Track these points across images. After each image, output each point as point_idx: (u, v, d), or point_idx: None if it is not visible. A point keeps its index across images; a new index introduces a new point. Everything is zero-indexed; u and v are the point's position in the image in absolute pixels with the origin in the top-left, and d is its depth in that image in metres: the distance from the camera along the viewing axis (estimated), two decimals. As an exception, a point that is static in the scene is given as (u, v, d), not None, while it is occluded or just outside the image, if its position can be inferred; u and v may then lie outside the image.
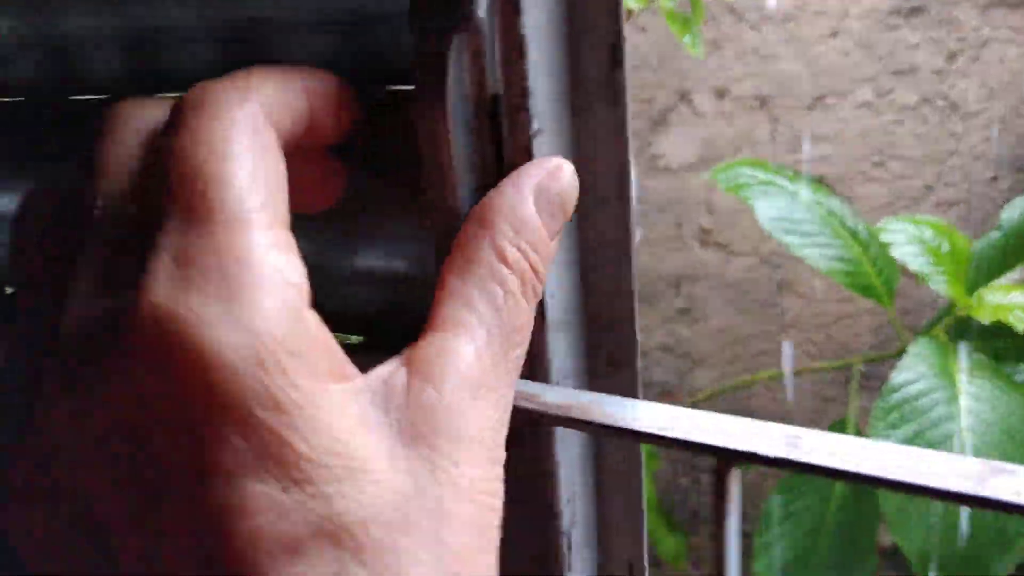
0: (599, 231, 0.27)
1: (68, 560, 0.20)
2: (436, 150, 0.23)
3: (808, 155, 1.28)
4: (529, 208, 0.23)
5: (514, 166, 0.24)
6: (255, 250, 0.20)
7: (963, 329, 0.91)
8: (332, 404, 0.20)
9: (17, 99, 0.33)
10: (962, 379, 0.83)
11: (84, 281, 0.21)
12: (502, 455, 0.22)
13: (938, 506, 0.78)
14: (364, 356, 0.22)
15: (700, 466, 1.41)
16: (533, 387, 0.26)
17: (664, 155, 1.36)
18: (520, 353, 0.23)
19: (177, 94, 0.23)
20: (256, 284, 0.19)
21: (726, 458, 0.23)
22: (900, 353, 0.89)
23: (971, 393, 0.82)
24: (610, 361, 0.29)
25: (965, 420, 0.80)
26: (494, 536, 0.21)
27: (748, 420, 0.23)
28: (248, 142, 0.21)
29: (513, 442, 0.23)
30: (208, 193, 0.20)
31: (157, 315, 0.19)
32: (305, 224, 0.26)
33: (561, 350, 0.28)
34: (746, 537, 1.04)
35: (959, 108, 1.21)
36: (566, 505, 0.28)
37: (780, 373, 1.24)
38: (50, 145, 0.32)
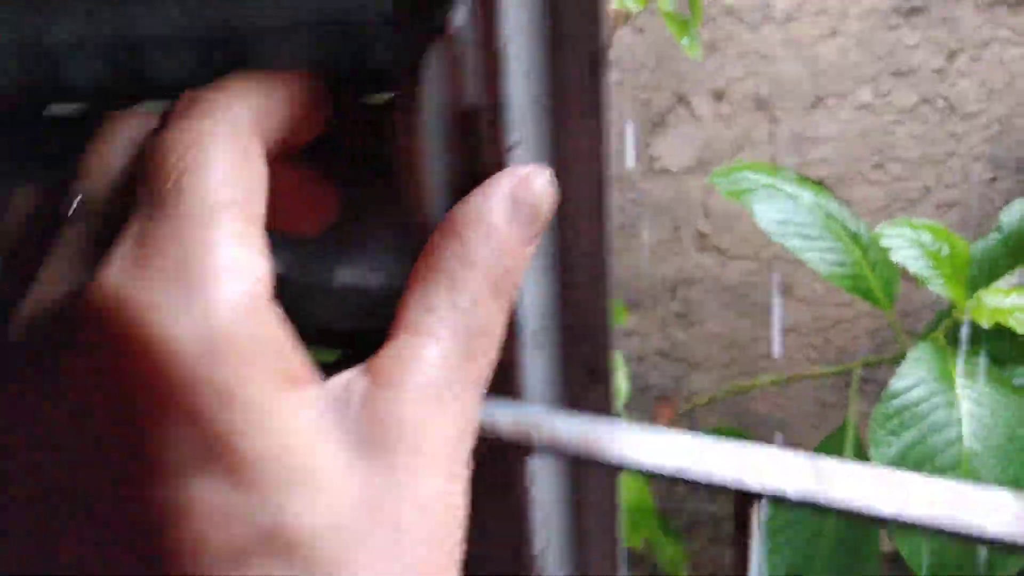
0: (576, 242, 0.27)
1: (4, 559, 0.19)
2: (410, 161, 0.23)
3: (807, 157, 1.27)
4: (497, 215, 0.23)
5: (490, 176, 0.24)
6: (217, 241, 0.19)
7: (963, 333, 0.90)
8: (286, 407, 0.19)
9: None
10: (962, 383, 0.83)
11: (49, 271, 0.20)
12: (465, 467, 0.21)
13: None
14: (343, 371, 0.21)
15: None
16: (508, 407, 0.25)
17: (662, 157, 1.35)
18: (487, 360, 0.22)
19: (160, 101, 0.22)
20: (213, 274, 0.19)
21: (747, 497, 0.22)
22: (899, 357, 0.88)
23: (972, 397, 0.81)
24: (587, 373, 0.29)
25: (967, 425, 0.79)
26: (455, 552, 0.20)
27: (765, 449, 0.22)
28: (228, 144, 0.21)
29: (484, 458, 0.22)
30: (179, 184, 0.19)
31: (108, 299, 0.18)
32: (284, 237, 0.25)
33: (537, 362, 0.27)
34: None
35: (958, 109, 1.20)
36: (540, 526, 0.28)
37: (778, 378, 1.24)
38: (32, 152, 0.32)
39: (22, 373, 0.19)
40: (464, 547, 0.21)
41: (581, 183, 0.26)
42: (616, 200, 1.38)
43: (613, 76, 1.32)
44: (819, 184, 1.06)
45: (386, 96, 0.26)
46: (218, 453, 0.18)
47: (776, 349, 1.34)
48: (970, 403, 0.81)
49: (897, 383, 0.82)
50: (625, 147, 1.35)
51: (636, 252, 1.39)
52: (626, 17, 1.13)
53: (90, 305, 0.18)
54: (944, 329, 0.90)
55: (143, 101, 0.29)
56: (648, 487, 1.09)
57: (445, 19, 0.22)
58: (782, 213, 0.98)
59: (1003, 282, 0.90)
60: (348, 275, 0.28)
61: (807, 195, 1.00)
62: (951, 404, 0.81)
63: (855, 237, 0.96)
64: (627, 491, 1.08)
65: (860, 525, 0.94)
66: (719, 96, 1.31)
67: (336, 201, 0.26)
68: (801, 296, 1.32)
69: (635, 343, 1.40)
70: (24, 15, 0.29)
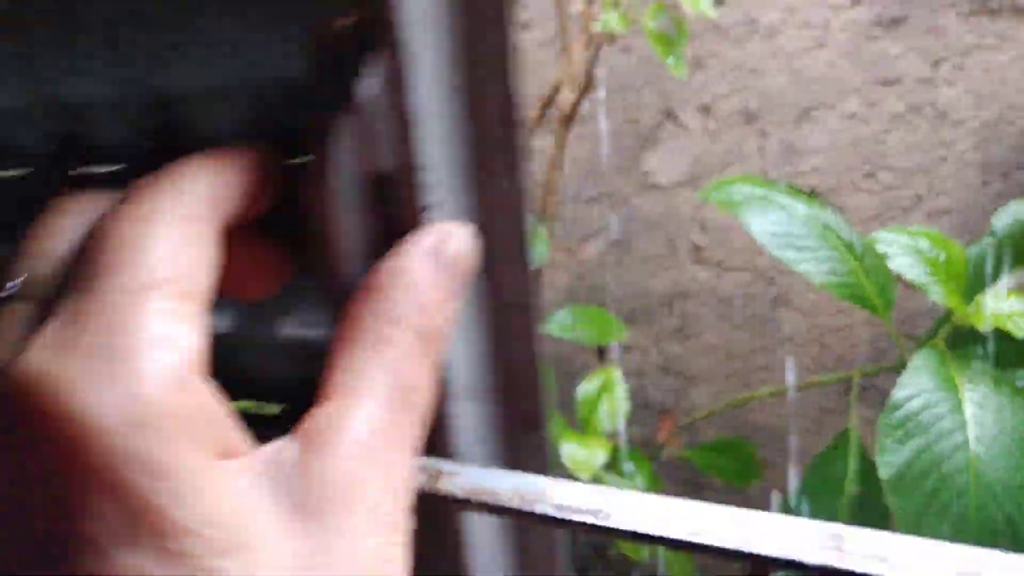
0: (502, 296, 0.27)
1: None
2: (323, 226, 0.23)
3: (797, 168, 1.28)
4: (419, 271, 0.23)
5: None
6: (146, 316, 0.19)
7: (962, 338, 0.91)
8: (217, 476, 0.19)
9: None
10: (965, 389, 0.83)
11: None
12: (403, 522, 0.21)
13: (952, 515, 0.77)
14: (287, 425, 0.21)
15: (704, 484, 1.40)
16: (439, 465, 0.25)
17: (653, 172, 1.36)
18: (418, 417, 0.22)
19: (103, 168, 0.23)
20: (138, 348, 0.19)
21: (762, 564, 0.22)
22: (900, 364, 0.88)
23: (975, 402, 0.82)
24: (522, 426, 0.29)
25: (972, 430, 0.80)
26: None
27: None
28: (174, 225, 0.21)
29: (421, 515, 0.22)
30: (116, 261, 0.20)
31: (31, 376, 0.18)
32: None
33: (470, 417, 0.27)
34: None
35: (947, 116, 1.21)
36: None
37: (778, 389, 1.24)
38: None
39: None
40: None
41: (504, 237, 0.26)
42: (610, 216, 1.39)
43: (601, 95, 1.33)
44: (811, 194, 1.07)
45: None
46: (148, 524, 0.17)
47: (774, 360, 1.35)
48: (974, 408, 0.81)
49: (900, 392, 0.83)
50: (616, 164, 1.36)
51: (631, 267, 1.40)
52: (611, 39, 1.14)
53: (13, 382, 0.18)
54: (943, 335, 0.91)
55: (81, 165, 0.29)
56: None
57: (354, 88, 0.22)
58: (775, 224, 0.98)
59: (1000, 286, 0.91)
60: (292, 330, 0.28)
61: (800, 206, 1.00)
62: (955, 410, 0.81)
63: (849, 246, 0.96)
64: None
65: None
66: (707, 111, 1.32)
67: (288, 264, 0.26)
68: (798, 306, 1.33)
69: (634, 358, 1.40)
70: None
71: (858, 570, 0.20)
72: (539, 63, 1.36)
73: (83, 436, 0.18)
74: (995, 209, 1.01)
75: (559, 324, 1.11)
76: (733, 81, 1.29)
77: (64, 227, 0.22)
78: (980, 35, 1.17)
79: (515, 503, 0.24)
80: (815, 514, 0.97)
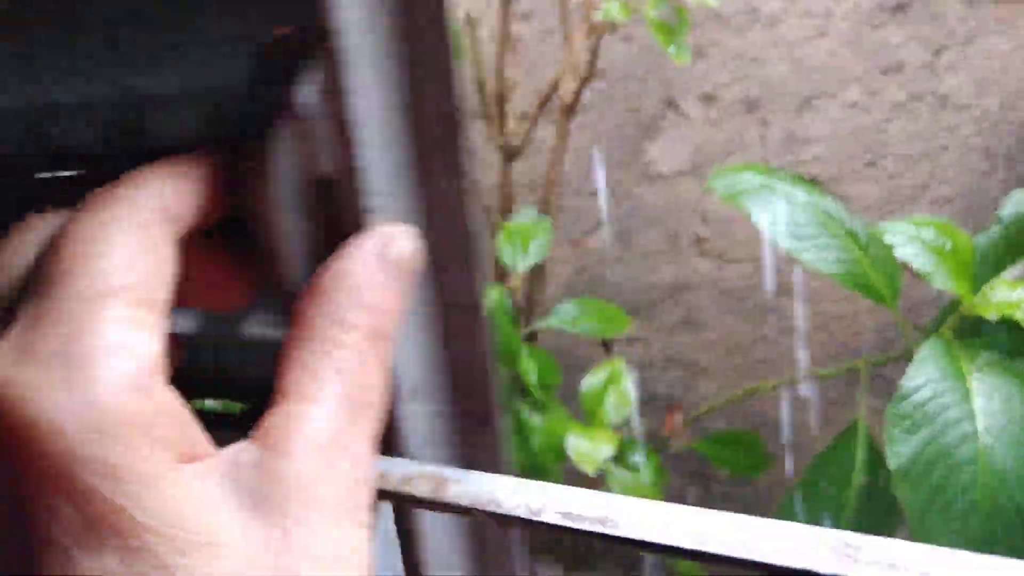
0: (449, 296, 0.28)
1: None
2: (265, 231, 0.24)
3: (799, 157, 1.28)
4: (363, 273, 0.23)
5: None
6: (103, 322, 0.19)
7: (970, 327, 0.90)
8: (178, 478, 0.19)
9: None
10: (973, 379, 0.83)
11: None
12: (365, 517, 0.21)
13: (961, 505, 0.77)
14: (248, 424, 0.22)
15: (711, 475, 1.40)
16: (398, 463, 0.26)
17: (655, 162, 1.35)
18: (372, 414, 0.23)
19: (65, 172, 0.24)
20: (95, 354, 0.19)
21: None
22: (907, 353, 0.88)
23: (984, 392, 0.81)
24: (474, 424, 0.29)
25: (980, 420, 0.80)
26: None
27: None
28: (130, 232, 0.21)
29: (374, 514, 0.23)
30: (74, 269, 0.20)
31: None
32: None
33: (420, 417, 0.28)
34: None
35: (949, 103, 1.21)
36: None
37: (784, 380, 1.24)
38: None
39: None
40: None
41: (450, 238, 0.27)
42: (612, 208, 1.39)
43: (601, 86, 1.33)
44: (814, 183, 1.07)
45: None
46: (110, 525, 0.18)
47: (780, 350, 1.34)
48: (983, 398, 0.81)
49: (908, 382, 0.83)
50: (618, 155, 1.35)
51: (634, 259, 1.39)
52: (612, 27, 1.14)
53: None
54: (951, 324, 0.91)
55: (47, 169, 0.29)
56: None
57: (292, 95, 0.23)
58: (780, 214, 0.98)
59: (1007, 274, 0.90)
60: (259, 328, 0.28)
61: (802, 195, 1.00)
62: (963, 400, 0.81)
63: (853, 235, 0.96)
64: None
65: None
66: (709, 100, 1.31)
67: (253, 275, 0.27)
68: (802, 295, 1.33)
69: (639, 350, 1.40)
70: None
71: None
72: (540, 54, 1.35)
73: (39, 441, 0.18)
74: (998, 197, 1.01)
75: (563, 317, 1.11)
76: (734, 70, 1.28)
77: (29, 240, 0.23)
78: (982, 22, 1.17)
79: (521, 512, 0.24)
80: (824, 505, 0.97)
